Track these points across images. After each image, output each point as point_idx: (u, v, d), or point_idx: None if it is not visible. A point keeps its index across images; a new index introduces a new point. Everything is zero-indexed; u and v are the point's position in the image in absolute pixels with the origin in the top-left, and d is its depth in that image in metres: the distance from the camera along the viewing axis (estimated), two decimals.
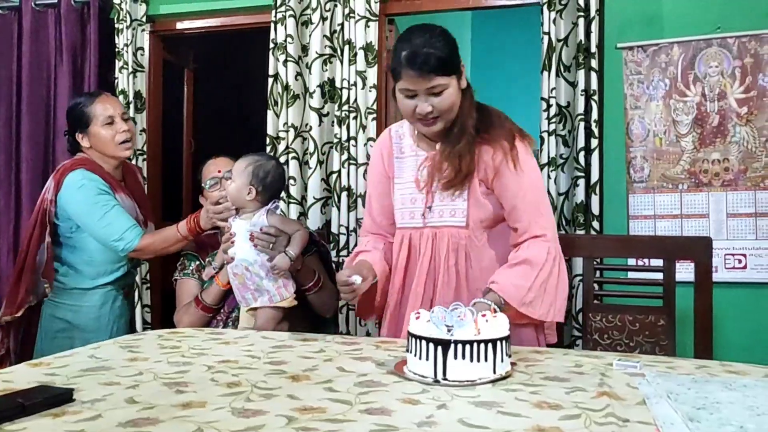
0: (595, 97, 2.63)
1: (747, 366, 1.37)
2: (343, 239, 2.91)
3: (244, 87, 4.39)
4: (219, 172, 2.23)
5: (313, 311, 2.16)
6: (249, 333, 1.75)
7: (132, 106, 3.21)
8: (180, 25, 3.40)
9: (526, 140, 1.76)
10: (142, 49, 3.31)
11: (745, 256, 2.62)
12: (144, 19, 3.28)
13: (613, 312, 2.06)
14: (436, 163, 1.73)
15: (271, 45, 3.04)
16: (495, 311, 1.56)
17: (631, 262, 2.54)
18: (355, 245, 2.88)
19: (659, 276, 2.00)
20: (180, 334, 1.72)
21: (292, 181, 2.98)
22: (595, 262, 2.14)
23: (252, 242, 1.95)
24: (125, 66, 3.23)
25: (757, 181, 2.61)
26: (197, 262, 2.27)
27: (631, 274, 2.45)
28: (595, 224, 2.64)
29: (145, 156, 3.29)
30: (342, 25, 2.95)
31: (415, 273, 1.78)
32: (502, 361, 1.23)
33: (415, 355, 1.24)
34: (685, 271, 2.07)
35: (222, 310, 2.16)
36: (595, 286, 2.08)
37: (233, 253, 1.97)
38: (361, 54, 2.91)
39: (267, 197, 2.02)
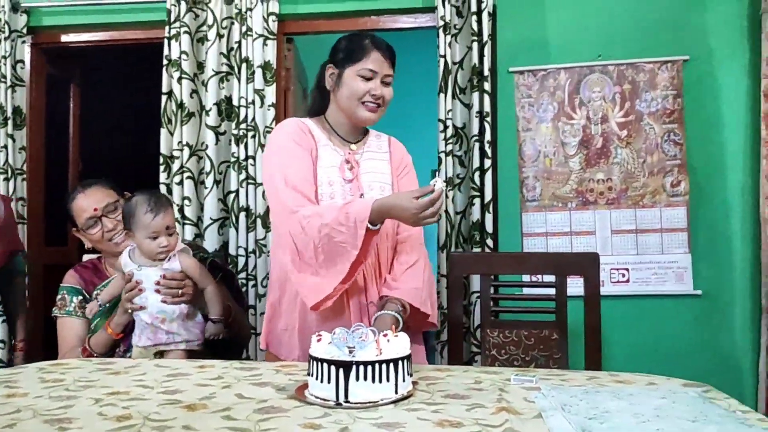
0: (489, 119, 2.73)
1: (632, 375, 1.44)
2: (242, 261, 2.84)
3: (137, 104, 4.23)
4: (95, 210, 2.03)
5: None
6: (141, 362, 1.66)
7: (10, 122, 3.01)
8: (65, 38, 3.24)
9: None
10: (22, 62, 3.11)
11: (627, 270, 2.78)
12: (25, 31, 3.09)
13: (509, 327, 2.12)
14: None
15: (165, 61, 2.95)
16: (397, 325, 1.61)
17: (526, 278, 2.63)
18: (254, 267, 2.83)
19: (552, 291, 2.08)
20: (64, 366, 1.60)
21: (187, 202, 2.88)
22: (491, 279, 2.20)
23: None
24: (3, 79, 3.02)
25: (637, 199, 2.79)
26: (80, 297, 2.05)
27: (526, 290, 2.53)
28: (490, 242, 2.72)
29: (25, 177, 3.09)
30: (239, 42, 2.90)
31: None
32: (404, 380, 1.23)
33: (317, 379, 1.22)
34: (575, 285, 2.16)
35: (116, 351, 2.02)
36: (492, 302, 2.14)
37: (143, 302, 1.84)
38: (259, 72, 2.87)
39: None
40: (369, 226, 1.57)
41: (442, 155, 2.76)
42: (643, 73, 2.80)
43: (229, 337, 2.00)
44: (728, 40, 2.78)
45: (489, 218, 2.71)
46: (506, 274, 2.43)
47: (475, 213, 2.73)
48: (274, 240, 1.86)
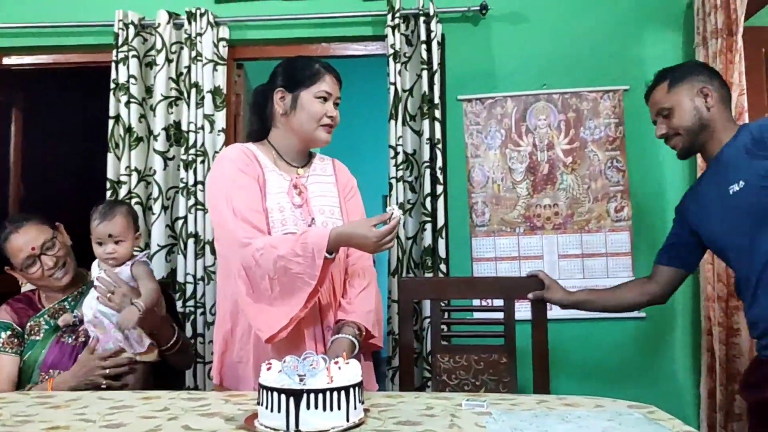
0: (439, 146, 2.77)
1: (580, 398, 1.47)
2: (190, 288, 2.78)
3: (83, 128, 4.13)
4: (33, 249, 1.99)
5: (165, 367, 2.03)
6: (82, 395, 1.61)
7: None
8: (6, 61, 3.16)
9: None
10: None
11: None
12: None
13: (460, 352, 2.14)
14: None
15: (112, 85, 2.90)
16: (353, 349, 1.64)
17: (477, 302, 2.66)
18: (203, 295, 2.78)
19: (501, 315, 2.12)
20: (1, 399, 1.54)
21: None
22: (442, 304, 2.22)
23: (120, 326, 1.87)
24: None
25: (582, 224, 2.86)
26: (9, 332, 2.00)
27: (477, 315, 2.56)
28: (443, 267, 2.74)
29: None
30: (189, 67, 2.88)
31: None
32: (355, 408, 1.23)
33: (267, 408, 1.20)
34: (525, 309, 2.20)
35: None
36: (446, 327, 2.15)
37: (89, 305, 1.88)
38: (209, 97, 2.85)
39: None
40: (326, 255, 1.58)
41: (393, 181, 2.79)
42: (587, 102, 2.89)
43: (175, 361, 2.03)
44: None
45: (441, 243, 2.74)
46: (455, 299, 2.45)
47: (427, 238, 2.75)
48: (221, 271, 1.81)
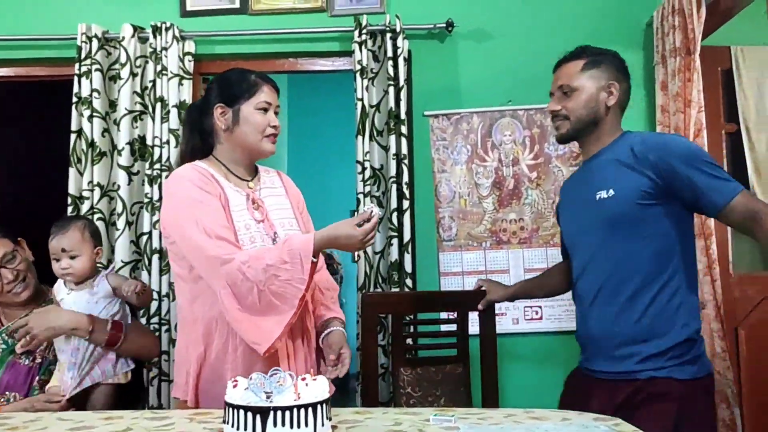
0: (406, 161, 2.78)
1: (547, 411, 1.48)
2: (154, 305, 2.74)
3: (44, 142, 4.05)
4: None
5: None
6: (42, 416, 1.57)
7: None
8: None
9: None
10: None
11: (541, 307, 2.87)
12: None
13: (421, 365, 2.19)
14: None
15: (75, 99, 2.86)
16: (345, 338, 1.76)
17: (444, 315, 2.67)
18: (168, 311, 2.74)
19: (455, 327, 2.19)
20: None
21: None
22: (402, 318, 2.27)
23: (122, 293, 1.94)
24: None
25: (548, 239, 2.89)
26: None
27: (434, 328, 2.59)
28: (409, 282, 2.74)
29: None
30: (154, 81, 2.85)
31: None
32: (323, 425, 1.22)
33: (233, 426, 1.19)
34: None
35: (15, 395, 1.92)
36: (412, 340, 2.18)
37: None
38: (174, 112, 2.82)
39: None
40: (312, 259, 1.59)
41: (361, 196, 2.79)
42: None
43: (135, 349, 2.01)
44: None
45: (408, 258, 2.74)
46: (409, 313, 2.51)
47: (394, 253, 2.75)
48: (186, 294, 1.73)
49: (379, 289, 2.78)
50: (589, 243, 1.81)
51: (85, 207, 2.79)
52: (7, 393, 1.91)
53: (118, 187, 2.81)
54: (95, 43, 2.85)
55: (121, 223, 2.78)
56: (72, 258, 1.93)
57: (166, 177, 2.79)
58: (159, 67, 2.85)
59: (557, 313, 2.86)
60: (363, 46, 2.84)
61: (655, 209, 1.70)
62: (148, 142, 2.84)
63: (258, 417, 1.17)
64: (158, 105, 2.83)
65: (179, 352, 1.77)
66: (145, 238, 2.79)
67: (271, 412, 1.17)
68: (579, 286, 1.87)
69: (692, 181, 1.66)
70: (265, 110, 1.77)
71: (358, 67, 2.83)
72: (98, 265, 2.07)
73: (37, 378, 1.95)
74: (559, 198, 2.08)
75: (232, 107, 1.77)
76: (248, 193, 1.78)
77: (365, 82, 2.83)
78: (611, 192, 1.74)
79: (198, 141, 1.83)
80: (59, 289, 1.99)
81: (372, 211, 1.62)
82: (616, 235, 1.73)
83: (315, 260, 1.61)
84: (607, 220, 1.75)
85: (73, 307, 1.92)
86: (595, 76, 1.85)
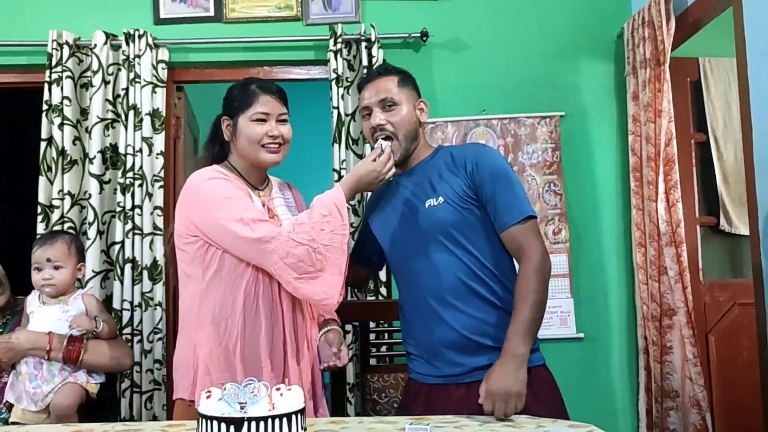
0: None
1: (522, 418, 1.49)
2: (126, 315, 2.70)
3: (13, 151, 3.98)
4: None
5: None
6: (9, 429, 1.53)
7: None
8: None
9: None
10: None
11: None
12: None
13: (388, 372, 2.22)
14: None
15: (45, 107, 2.81)
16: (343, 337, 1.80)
17: None
18: (140, 322, 2.70)
19: None
20: None
21: None
22: (383, 325, 2.27)
23: (70, 327, 1.90)
24: None
25: None
26: None
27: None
28: (383, 290, 2.74)
29: None
30: (126, 89, 2.82)
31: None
32: None
33: None
34: None
35: None
36: (386, 348, 2.19)
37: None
38: (147, 120, 2.80)
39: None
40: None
41: None
42: (524, 127, 2.97)
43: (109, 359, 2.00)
44: (599, 99, 3.01)
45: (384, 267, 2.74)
46: (381, 321, 2.55)
47: None
48: (198, 297, 1.72)
49: (354, 298, 2.77)
50: (420, 251, 1.78)
51: (55, 216, 2.74)
52: None
53: (90, 195, 2.77)
54: (66, 50, 2.81)
55: (92, 232, 2.73)
56: (56, 269, 1.92)
57: (140, 186, 2.76)
58: (132, 75, 2.82)
59: (550, 322, 2.88)
60: (338, 55, 2.84)
61: (475, 213, 1.74)
62: (121, 150, 2.80)
63: (232, 428, 1.15)
64: (131, 113, 2.79)
65: (183, 353, 1.74)
66: (117, 247, 2.75)
67: (245, 423, 1.16)
68: (411, 298, 1.83)
69: (495, 194, 1.71)
70: (262, 120, 1.76)
71: (334, 75, 2.83)
72: (77, 281, 2.06)
73: (4, 400, 1.91)
74: (370, 209, 2.04)
75: (233, 119, 1.79)
76: (263, 201, 1.80)
77: (341, 90, 2.83)
78: (440, 199, 1.75)
79: (218, 149, 1.87)
80: (31, 302, 1.97)
81: (383, 146, 1.74)
82: (449, 243, 1.74)
83: (350, 205, 1.66)
84: (438, 227, 1.75)
85: (42, 322, 1.90)
86: (410, 94, 1.86)
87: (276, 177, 1.98)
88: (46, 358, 1.85)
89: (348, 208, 1.78)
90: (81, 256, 2.03)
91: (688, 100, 3.01)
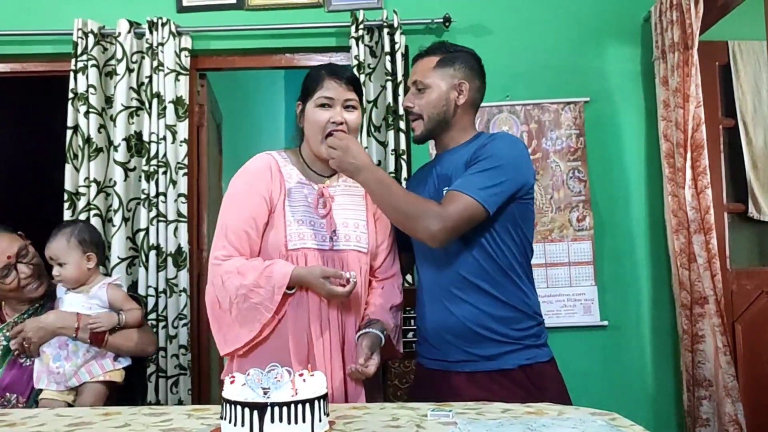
0: (404, 156, 2.78)
1: (544, 405, 1.48)
2: (151, 301, 2.73)
3: (40, 138, 4.04)
4: (9, 258, 1.93)
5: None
6: (39, 412, 1.56)
7: None
8: None
9: None
10: None
11: None
12: None
13: (409, 358, 2.21)
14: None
15: (71, 95, 2.85)
16: (378, 344, 1.67)
17: None
18: (165, 308, 2.73)
19: None
20: None
21: None
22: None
23: (91, 328, 1.89)
24: None
25: (546, 234, 2.89)
26: None
27: None
28: (409, 278, 2.74)
29: None
30: (150, 77, 2.84)
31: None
32: (320, 420, 1.21)
33: (230, 422, 1.18)
34: None
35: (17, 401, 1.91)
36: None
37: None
38: (171, 108, 2.82)
39: (102, 256, 2.05)
40: (286, 290, 1.61)
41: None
42: (548, 113, 2.94)
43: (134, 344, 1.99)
44: (625, 84, 2.97)
45: None
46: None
47: None
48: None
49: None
50: None
51: (81, 203, 2.78)
52: (7, 394, 1.90)
53: (115, 183, 2.80)
54: (91, 39, 2.84)
55: (117, 219, 2.77)
56: (60, 265, 1.93)
57: (164, 173, 2.79)
58: (155, 63, 2.84)
59: (555, 309, 2.87)
60: (360, 42, 2.83)
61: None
62: (145, 138, 2.83)
63: (255, 413, 1.16)
64: (155, 101, 2.82)
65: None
66: (141, 234, 2.78)
67: (269, 408, 1.17)
68: (428, 283, 1.82)
69: (471, 167, 1.67)
70: (326, 105, 1.70)
71: (356, 62, 2.82)
72: (100, 267, 2.06)
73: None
74: (410, 185, 2.01)
75: (303, 105, 1.76)
76: (320, 188, 1.76)
77: (363, 77, 2.82)
78: None
79: (301, 132, 1.81)
80: (60, 288, 2.00)
81: (352, 277, 1.62)
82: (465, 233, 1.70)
83: (290, 292, 1.63)
84: None
85: (68, 308, 1.92)
86: (448, 73, 1.81)
87: None
88: (74, 336, 1.87)
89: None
90: (87, 246, 1.95)
91: (717, 84, 2.96)
